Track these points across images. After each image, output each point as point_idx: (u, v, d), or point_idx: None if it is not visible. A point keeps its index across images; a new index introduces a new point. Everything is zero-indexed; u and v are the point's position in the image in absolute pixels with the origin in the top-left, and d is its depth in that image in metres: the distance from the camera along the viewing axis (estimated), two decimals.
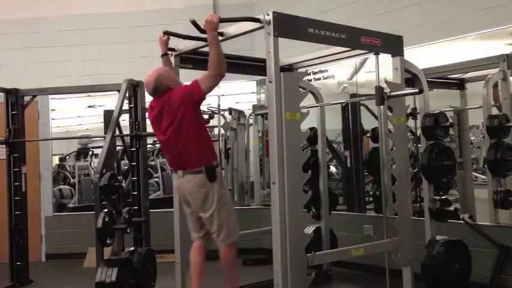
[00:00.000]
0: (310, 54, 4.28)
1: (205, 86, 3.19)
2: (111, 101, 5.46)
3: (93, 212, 3.93)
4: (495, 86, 4.06)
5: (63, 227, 6.33)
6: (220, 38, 3.21)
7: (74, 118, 8.36)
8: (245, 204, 6.72)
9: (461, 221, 4.09)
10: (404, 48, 3.56)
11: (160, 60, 3.61)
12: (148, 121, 4.86)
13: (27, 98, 5.17)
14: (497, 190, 3.94)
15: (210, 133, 6.79)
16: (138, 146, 4.84)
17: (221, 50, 3.14)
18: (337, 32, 3.17)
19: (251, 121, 6.69)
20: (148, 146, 7.03)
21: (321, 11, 5.47)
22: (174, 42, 3.60)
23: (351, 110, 5.42)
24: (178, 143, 3.26)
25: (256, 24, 2.95)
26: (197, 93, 3.21)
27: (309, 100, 4.17)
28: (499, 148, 3.84)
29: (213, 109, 6.59)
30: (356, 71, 5.56)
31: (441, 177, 3.62)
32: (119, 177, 4.26)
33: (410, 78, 3.66)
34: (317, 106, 4.66)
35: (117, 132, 4.61)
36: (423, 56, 4.74)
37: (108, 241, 3.86)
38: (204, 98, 3.29)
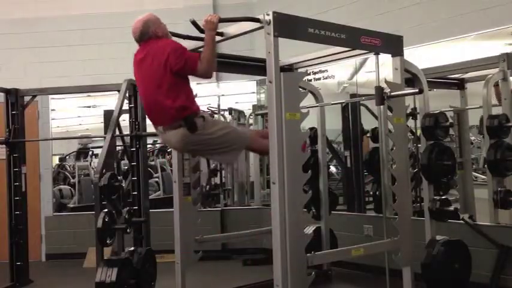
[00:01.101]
0: (310, 54, 4.27)
1: (200, 69, 3.09)
2: (111, 101, 5.46)
3: (93, 212, 3.93)
4: (496, 85, 4.06)
5: (63, 227, 6.33)
6: (220, 38, 3.21)
7: (74, 118, 8.37)
8: (245, 204, 6.73)
9: (461, 221, 4.09)
10: (404, 48, 3.56)
11: None
12: (148, 121, 4.90)
13: (27, 98, 5.18)
14: (497, 190, 3.94)
15: None
16: (138, 146, 4.85)
17: (215, 51, 3.12)
18: (337, 32, 3.17)
19: (251, 121, 6.69)
20: (148, 146, 7.03)
21: (321, 11, 5.47)
22: None
23: (351, 110, 5.43)
24: (157, 96, 3.14)
25: (256, 24, 2.95)
26: (191, 68, 3.10)
27: (309, 100, 4.17)
28: (499, 148, 3.84)
29: (213, 109, 6.59)
30: (356, 71, 5.56)
31: (441, 177, 3.62)
32: (119, 177, 4.27)
33: (410, 78, 3.65)
34: (317, 106, 4.66)
35: (117, 132, 4.62)
36: (423, 56, 4.74)
37: (108, 241, 3.86)
38: (190, 75, 3.19)
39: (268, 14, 2.85)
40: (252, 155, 6.72)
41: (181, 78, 3.18)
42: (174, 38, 3.51)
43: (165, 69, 3.11)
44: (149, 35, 3.26)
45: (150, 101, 3.23)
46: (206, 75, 3.15)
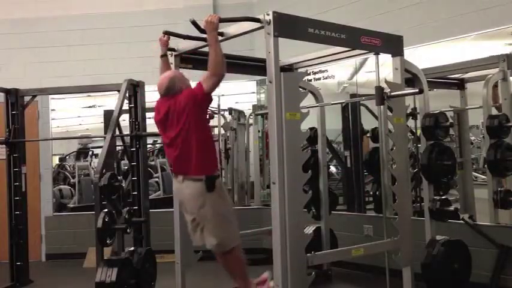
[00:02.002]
0: (310, 54, 4.28)
1: (206, 85, 3.17)
2: (111, 101, 5.46)
3: (93, 212, 3.93)
4: (494, 86, 4.06)
5: (63, 227, 6.33)
6: (220, 38, 3.21)
7: (74, 118, 8.36)
8: (245, 204, 6.72)
9: (461, 221, 4.10)
10: (404, 48, 3.56)
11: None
12: (148, 121, 4.90)
13: (27, 98, 5.17)
14: (497, 190, 3.94)
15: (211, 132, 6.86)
16: (138, 146, 4.84)
17: (221, 50, 3.14)
18: (337, 32, 3.17)
19: (251, 121, 6.69)
20: (148, 146, 7.03)
21: (321, 11, 5.47)
22: (174, 42, 3.60)
23: (351, 110, 5.42)
24: (181, 148, 3.25)
25: (256, 24, 2.95)
26: (199, 94, 3.19)
27: (309, 100, 4.17)
28: (499, 148, 3.84)
29: (213, 109, 6.59)
30: (356, 71, 5.56)
31: (441, 177, 3.62)
32: (119, 177, 4.26)
33: (410, 78, 3.66)
34: (317, 106, 4.66)
35: (117, 132, 4.61)
36: (423, 56, 4.74)
37: (108, 241, 3.86)
38: (207, 99, 3.25)
39: (268, 14, 2.86)
40: (252, 155, 6.72)
41: (206, 129, 3.32)
42: (174, 38, 3.52)
43: (188, 118, 3.20)
44: (175, 91, 3.30)
45: (177, 153, 3.29)
46: (220, 77, 3.17)
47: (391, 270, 3.80)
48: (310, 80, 5.83)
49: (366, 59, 5.21)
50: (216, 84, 3.20)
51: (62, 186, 7.50)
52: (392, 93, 3.37)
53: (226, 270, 3.44)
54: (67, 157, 8.36)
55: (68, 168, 8.20)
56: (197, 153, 3.22)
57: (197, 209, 3.25)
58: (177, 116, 3.24)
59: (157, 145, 8.14)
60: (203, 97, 3.21)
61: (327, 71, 5.84)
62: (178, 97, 3.27)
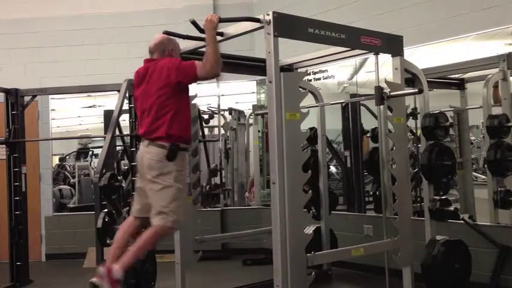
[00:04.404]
0: (310, 54, 4.28)
1: (200, 72, 3.14)
2: (111, 101, 5.46)
3: (93, 212, 3.93)
4: (495, 86, 4.06)
5: (63, 227, 6.33)
6: (220, 38, 3.21)
7: (74, 118, 8.37)
8: (245, 204, 6.73)
9: (461, 221, 4.10)
10: (404, 48, 3.56)
11: None
12: None
13: (27, 98, 5.17)
14: (497, 190, 3.94)
15: (210, 133, 6.88)
16: (138, 146, 4.83)
17: (218, 50, 3.13)
18: (337, 32, 3.17)
19: (251, 121, 6.69)
20: None
21: (321, 11, 5.46)
22: None
23: (351, 110, 5.42)
24: (155, 112, 3.19)
25: (256, 24, 2.95)
26: (190, 74, 3.16)
27: (309, 100, 4.17)
28: (499, 148, 3.84)
29: (213, 109, 6.60)
30: (356, 71, 5.57)
31: (441, 177, 3.62)
32: (119, 177, 4.26)
33: (411, 78, 3.66)
34: (317, 106, 4.66)
35: (117, 132, 4.61)
36: (423, 56, 4.74)
37: (108, 241, 3.86)
38: (193, 82, 3.22)
39: (268, 14, 2.85)
40: (252, 155, 6.72)
41: (184, 101, 3.26)
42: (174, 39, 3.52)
43: (168, 87, 3.16)
44: (163, 52, 3.31)
45: (150, 117, 3.23)
46: (213, 75, 3.18)
47: (391, 270, 3.80)
48: (310, 80, 5.84)
49: (366, 59, 5.21)
50: (207, 79, 3.21)
51: (62, 186, 7.51)
52: (392, 93, 3.37)
53: (133, 238, 3.26)
54: (67, 157, 8.38)
55: (68, 168, 8.21)
56: (169, 121, 3.16)
57: (155, 174, 3.15)
58: (156, 81, 3.19)
59: None
60: (191, 79, 3.18)
61: (327, 71, 5.84)
62: (159, 62, 3.25)
